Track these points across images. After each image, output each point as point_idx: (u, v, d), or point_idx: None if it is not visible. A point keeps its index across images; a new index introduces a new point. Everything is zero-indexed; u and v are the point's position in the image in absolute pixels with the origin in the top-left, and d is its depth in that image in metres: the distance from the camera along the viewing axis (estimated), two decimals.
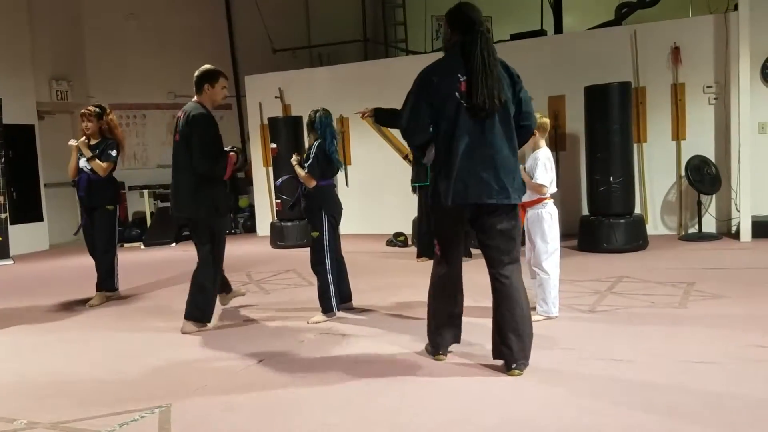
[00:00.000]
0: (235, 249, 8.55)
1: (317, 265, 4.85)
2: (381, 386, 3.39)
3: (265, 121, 9.90)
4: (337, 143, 4.89)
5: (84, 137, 5.82)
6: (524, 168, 4.52)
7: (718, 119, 8.06)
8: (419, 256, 7.28)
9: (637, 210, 7.83)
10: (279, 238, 9.19)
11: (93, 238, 5.93)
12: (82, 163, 5.80)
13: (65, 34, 11.03)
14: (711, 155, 8.02)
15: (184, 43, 11.62)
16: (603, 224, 7.30)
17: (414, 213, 8.41)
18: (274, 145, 9.07)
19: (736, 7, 7.65)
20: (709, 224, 8.05)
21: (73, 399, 3.46)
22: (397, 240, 8.63)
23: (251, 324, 4.88)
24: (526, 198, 4.51)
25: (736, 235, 7.70)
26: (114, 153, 5.83)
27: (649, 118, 8.34)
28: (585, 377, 3.34)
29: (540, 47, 9.05)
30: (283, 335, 4.49)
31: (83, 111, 5.92)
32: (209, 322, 4.78)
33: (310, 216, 4.89)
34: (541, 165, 4.41)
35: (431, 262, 3.88)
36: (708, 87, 8.08)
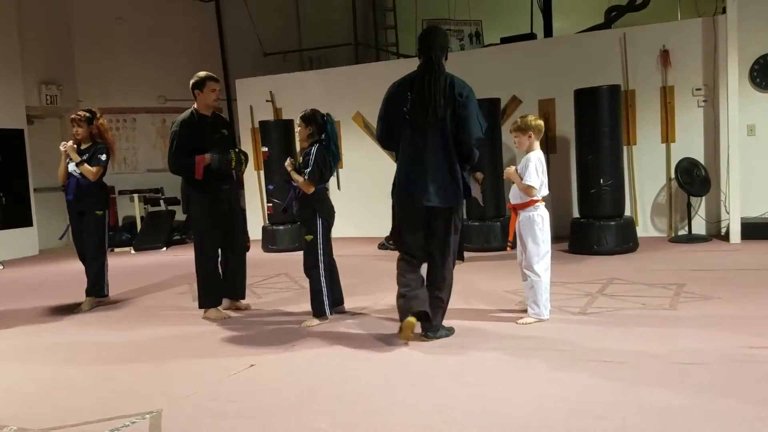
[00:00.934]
0: None
1: (311, 269, 4.82)
2: (372, 389, 3.38)
3: (256, 125, 9.89)
4: (337, 148, 4.87)
5: (71, 142, 5.79)
6: (516, 169, 4.54)
7: (707, 122, 8.11)
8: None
9: (627, 212, 7.86)
10: (270, 241, 9.17)
11: (82, 243, 5.90)
12: (72, 167, 5.77)
13: (54, 38, 10.98)
14: (700, 157, 8.06)
15: (174, 47, 11.60)
16: (593, 226, 7.33)
17: None
18: (266, 149, 9.06)
19: (724, 10, 7.71)
20: (699, 226, 8.09)
21: (63, 405, 3.44)
22: (388, 243, 8.63)
23: (243, 328, 4.87)
24: (517, 200, 4.54)
25: (726, 237, 7.75)
26: (104, 157, 5.80)
27: (638, 121, 8.38)
28: (576, 379, 3.34)
29: (530, 51, 9.09)
30: (275, 339, 4.47)
31: (73, 116, 5.90)
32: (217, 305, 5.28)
33: (304, 219, 4.87)
34: (532, 167, 4.42)
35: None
36: (697, 90, 8.13)
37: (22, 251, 9.90)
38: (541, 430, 2.76)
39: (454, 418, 2.94)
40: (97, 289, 5.89)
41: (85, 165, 5.72)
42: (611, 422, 2.79)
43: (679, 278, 5.70)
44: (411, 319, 4.01)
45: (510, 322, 4.53)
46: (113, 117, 11.23)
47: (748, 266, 6.17)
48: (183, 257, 8.74)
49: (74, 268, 6.91)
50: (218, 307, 5.27)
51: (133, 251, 10.01)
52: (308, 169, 4.71)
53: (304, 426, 2.96)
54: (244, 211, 9.43)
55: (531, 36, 10.11)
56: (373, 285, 6.08)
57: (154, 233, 10.36)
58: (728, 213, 7.75)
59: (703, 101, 8.12)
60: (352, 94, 9.83)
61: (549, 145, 8.60)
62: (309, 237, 4.81)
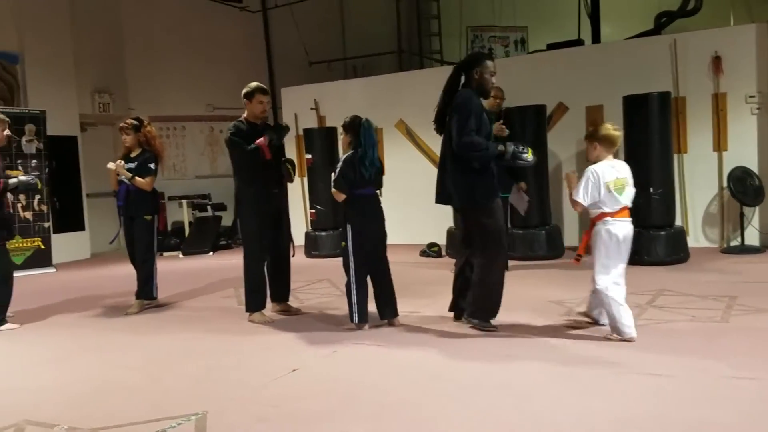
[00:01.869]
0: None
1: (345, 274, 4.88)
2: (415, 398, 3.37)
3: (301, 132, 10.00)
4: (376, 152, 4.87)
5: (120, 160, 5.96)
6: (578, 177, 4.39)
7: (762, 129, 7.87)
8: None
9: (678, 222, 7.67)
10: (313, 247, 9.25)
11: (133, 247, 6.05)
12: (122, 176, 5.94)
13: (107, 48, 11.29)
14: (754, 166, 7.82)
15: (222, 57, 11.80)
16: (643, 236, 7.15)
17: (448, 223, 8.40)
18: (309, 156, 9.17)
19: None
20: (752, 237, 7.84)
21: (111, 405, 3.52)
22: (430, 250, 8.63)
23: (287, 333, 4.91)
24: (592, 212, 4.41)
25: None
26: (153, 166, 5.95)
27: (689, 129, 8.18)
28: (622, 392, 3.28)
29: (577, 57, 8.97)
30: (318, 345, 4.50)
31: (121, 125, 6.08)
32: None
33: (342, 226, 4.92)
34: (584, 180, 4.26)
35: None
36: (750, 97, 7.89)
37: (74, 254, 10.18)
38: None
39: (497, 430, 2.91)
40: (146, 292, 6.03)
41: (137, 179, 5.87)
42: None
43: (731, 290, 5.53)
44: None
45: (554, 331, 4.46)
46: (163, 125, 11.50)
47: None
48: (229, 261, 8.87)
49: (125, 272, 7.08)
50: (263, 311, 5.34)
51: (181, 255, 10.21)
52: (334, 178, 4.77)
53: None
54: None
55: (578, 42, 9.98)
56: (417, 293, 6.06)
57: (202, 238, 10.55)
58: None
59: (757, 108, 7.88)
60: (395, 102, 9.84)
61: None
62: (343, 243, 4.87)
